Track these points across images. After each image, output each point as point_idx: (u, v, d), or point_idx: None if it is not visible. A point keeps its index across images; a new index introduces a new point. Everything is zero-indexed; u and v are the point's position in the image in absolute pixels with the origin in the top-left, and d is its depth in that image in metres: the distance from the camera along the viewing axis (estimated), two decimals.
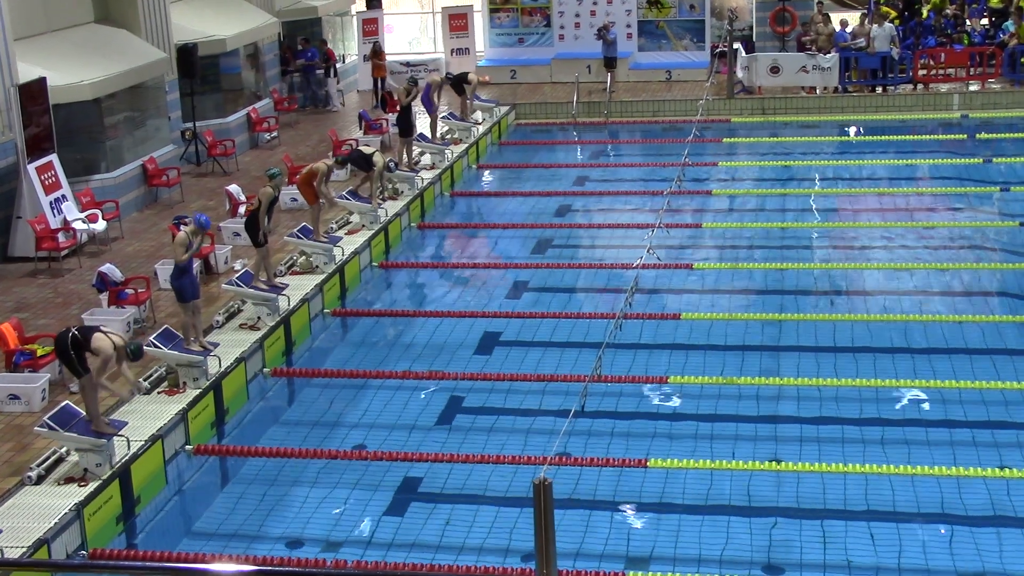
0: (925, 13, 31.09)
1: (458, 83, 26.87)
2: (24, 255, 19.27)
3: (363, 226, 20.39)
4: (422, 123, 26.11)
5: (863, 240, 20.66)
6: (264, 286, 16.79)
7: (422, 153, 24.65)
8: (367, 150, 21.18)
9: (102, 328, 13.13)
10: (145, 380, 14.36)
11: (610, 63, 30.31)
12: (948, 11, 30.85)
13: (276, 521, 12.85)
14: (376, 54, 30.76)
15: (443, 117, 26.06)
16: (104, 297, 16.77)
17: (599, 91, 29.94)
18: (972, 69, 28.91)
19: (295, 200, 21.11)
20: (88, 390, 13.03)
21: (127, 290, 16.83)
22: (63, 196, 19.77)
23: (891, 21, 29.40)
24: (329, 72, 30.73)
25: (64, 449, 12.96)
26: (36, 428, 13.02)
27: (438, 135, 25.32)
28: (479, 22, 33.36)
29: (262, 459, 13.89)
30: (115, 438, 12.88)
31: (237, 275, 16.90)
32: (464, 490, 13.32)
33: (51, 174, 19.67)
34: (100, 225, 19.91)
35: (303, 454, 13.79)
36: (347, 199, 20.46)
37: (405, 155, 23.37)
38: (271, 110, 28.17)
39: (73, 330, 13.10)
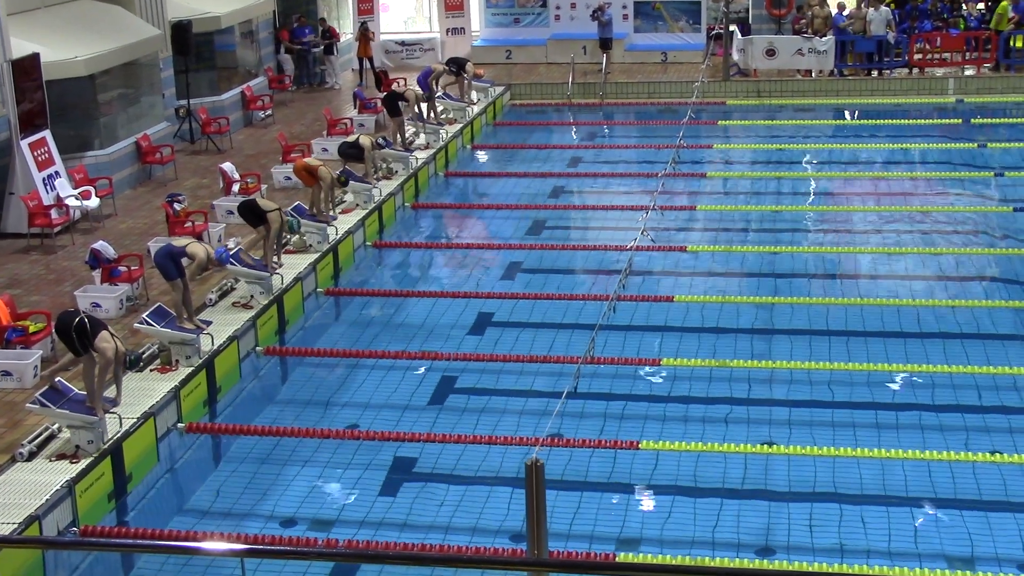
0: None
1: (457, 66, 26.79)
2: (17, 231, 19.21)
3: (357, 205, 20.35)
4: None
5: (857, 224, 20.67)
6: (251, 262, 16.75)
7: (416, 133, 24.60)
8: (351, 138, 21.13)
9: (109, 328, 13.12)
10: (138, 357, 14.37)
11: (606, 44, 30.23)
12: None
13: (268, 500, 12.86)
14: (363, 34, 30.64)
15: (438, 97, 25.99)
16: (97, 274, 16.73)
17: (594, 72, 29.87)
18: (968, 54, 28.89)
19: (289, 179, 21.06)
20: (87, 368, 13.05)
21: (120, 267, 16.79)
22: (56, 172, 19.71)
23: (887, 5, 29.36)
24: (332, 50, 30.63)
25: (56, 426, 12.95)
26: (28, 405, 13.01)
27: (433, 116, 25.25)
28: (475, 2, 33.25)
29: (254, 438, 13.89)
30: (107, 415, 12.88)
31: (230, 253, 16.85)
32: (456, 470, 13.34)
33: (44, 150, 19.61)
34: (93, 202, 19.85)
35: (295, 433, 13.78)
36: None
37: (399, 135, 23.30)
38: (265, 88, 28.08)
39: (84, 316, 13.09)
